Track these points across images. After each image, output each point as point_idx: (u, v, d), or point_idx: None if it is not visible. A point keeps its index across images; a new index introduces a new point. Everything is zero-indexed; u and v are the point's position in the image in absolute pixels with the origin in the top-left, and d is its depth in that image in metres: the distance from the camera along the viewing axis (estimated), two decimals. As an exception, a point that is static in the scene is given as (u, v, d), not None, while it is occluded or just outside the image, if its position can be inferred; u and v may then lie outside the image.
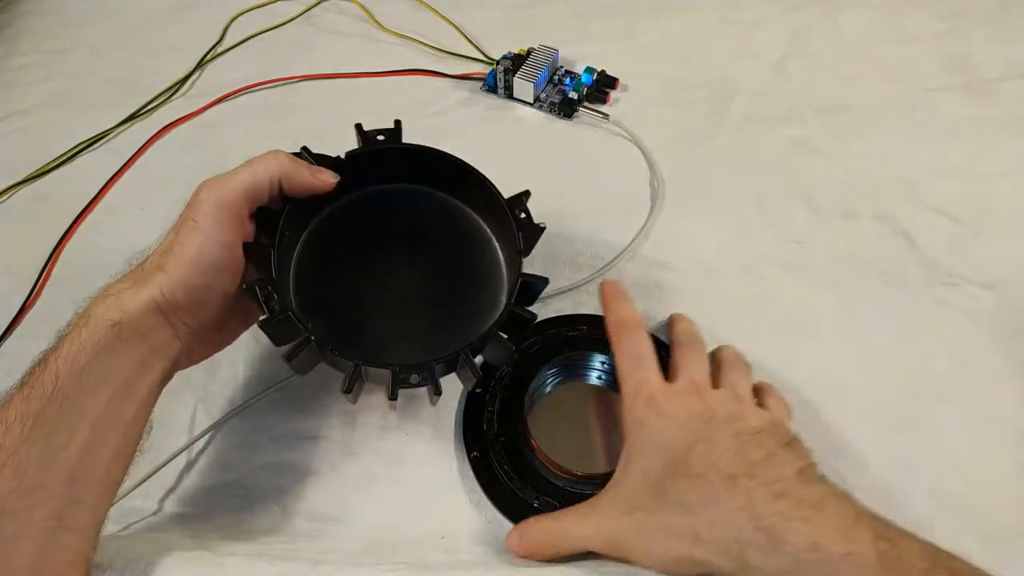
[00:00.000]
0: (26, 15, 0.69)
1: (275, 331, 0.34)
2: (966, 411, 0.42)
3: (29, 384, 0.30)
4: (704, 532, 0.30)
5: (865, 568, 0.27)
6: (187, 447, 0.42)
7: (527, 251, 0.38)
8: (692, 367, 0.37)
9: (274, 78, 0.62)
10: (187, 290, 0.33)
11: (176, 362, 0.35)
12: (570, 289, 0.47)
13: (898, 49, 0.62)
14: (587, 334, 0.44)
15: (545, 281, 0.38)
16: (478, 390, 0.42)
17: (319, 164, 0.38)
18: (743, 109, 0.59)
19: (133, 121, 0.60)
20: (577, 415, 0.42)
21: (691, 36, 0.64)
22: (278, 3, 0.68)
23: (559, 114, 0.59)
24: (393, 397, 0.34)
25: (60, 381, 0.30)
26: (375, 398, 0.43)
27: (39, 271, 0.50)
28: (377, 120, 0.59)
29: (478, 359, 0.36)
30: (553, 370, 0.42)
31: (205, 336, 0.36)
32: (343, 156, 0.39)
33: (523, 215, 0.39)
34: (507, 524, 0.38)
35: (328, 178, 0.38)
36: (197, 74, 0.63)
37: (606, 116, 0.58)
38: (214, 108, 0.60)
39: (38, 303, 0.49)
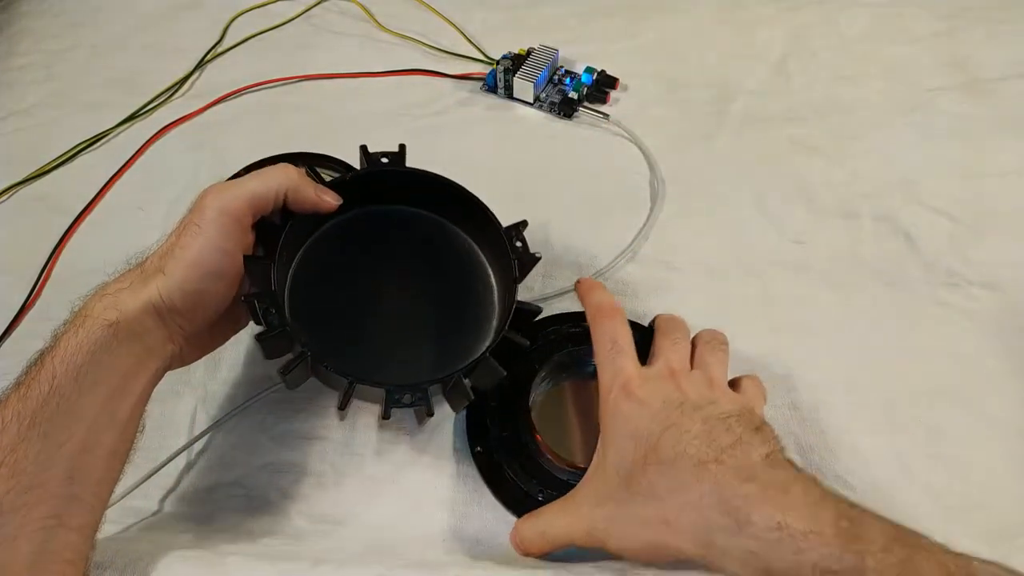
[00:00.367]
0: (26, 15, 0.69)
1: (271, 345, 0.35)
2: (966, 411, 0.42)
3: (26, 384, 0.30)
4: (673, 519, 0.31)
5: (825, 546, 0.27)
6: (187, 447, 0.42)
7: (522, 278, 0.40)
8: (669, 352, 0.37)
9: (274, 78, 0.62)
10: (185, 294, 0.33)
11: (169, 363, 0.35)
12: (571, 289, 0.47)
13: (898, 49, 0.62)
14: (589, 330, 0.44)
15: (539, 309, 0.40)
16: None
17: (324, 184, 0.39)
18: (743, 109, 0.59)
19: (133, 121, 0.60)
20: (580, 409, 0.42)
21: (691, 36, 0.64)
22: (278, 3, 0.68)
23: (559, 114, 0.59)
24: (386, 416, 0.35)
25: (57, 380, 0.30)
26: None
27: (39, 271, 0.50)
28: (377, 120, 0.59)
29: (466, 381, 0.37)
30: (555, 366, 0.43)
31: (197, 339, 0.36)
32: (347, 177, 0.40)
33: (519, 244, 0.41)
34: (511, 520, 0.39)
35: (331, 199, 0.38)
36: (197, 74, 0.63)
37: (606, 116, 0.58)
38: (214, 108, 0.60)
39: (38, 303, 0.49)
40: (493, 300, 0.42)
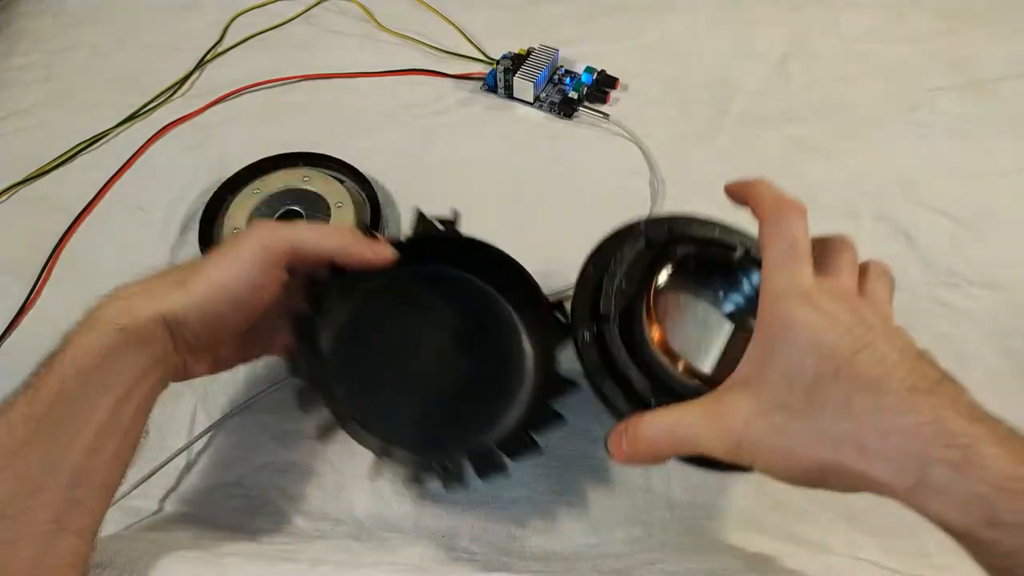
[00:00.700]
0: (26, 15, 0.69)
1: (308, 403, 0.35)
2: (966, 411, 0.42)
3: (34, 386, 0.30)
4: (873, 442, 0.27)
5: None
6: (187, 447, 0.42)
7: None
8: (843, 271, 0.33)
9: (274, 78, 0.62)
10: (201, 312, 0.33)
11: (173, 375, 0.35)
12: (571, 290, 0.47)
13: (898, 49, 0.62)
14: (721, 238, 0.40)
15: (576, 384, 0.37)
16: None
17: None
18: (743, 109, 0.59)
19: (133, 121, 0.60)
20: (704, 315, 0.37)
21: (691, 36, 0.64)
22: (278, 3, 0.68)
23: (559, 114, 0.59)
24: (418, 481, 0.35)
25: (65, 383, 0.30)
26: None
27: (39, 271, 0.50)
28: (377, 120, 0.59)
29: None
30: (682, 264, 0.38)
31: (203, 357, 0.36)
32: (403, 240, 0.39)
33: (563, 319, 0.40)
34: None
35: (388, 254, 0.37)
36: (197, 74, 0.63)
37: (606, 116, 0.58)
38: (214, 108, 0.60)
39: (38, 303, 0.49)
40: (529, 369, 0.41)
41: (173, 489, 0.41)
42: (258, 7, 0.68)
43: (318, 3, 0.68)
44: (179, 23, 0.68)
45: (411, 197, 0.54)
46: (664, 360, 0.35)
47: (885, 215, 0.51)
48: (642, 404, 0.33)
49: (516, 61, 0.60)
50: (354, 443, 0.43)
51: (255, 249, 0.34)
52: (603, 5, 0.67)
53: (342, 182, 0.52)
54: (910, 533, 0.38)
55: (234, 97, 0.61)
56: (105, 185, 0.55)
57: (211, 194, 0.51)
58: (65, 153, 0.57)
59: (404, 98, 0.61)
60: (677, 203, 0.53)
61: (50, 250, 0.51)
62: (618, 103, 0.60)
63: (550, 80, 0.61)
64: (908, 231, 0.50)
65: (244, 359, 0.39)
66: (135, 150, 0.57)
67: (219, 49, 0.65)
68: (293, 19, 0.67)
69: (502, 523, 0.39)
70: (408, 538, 0.39)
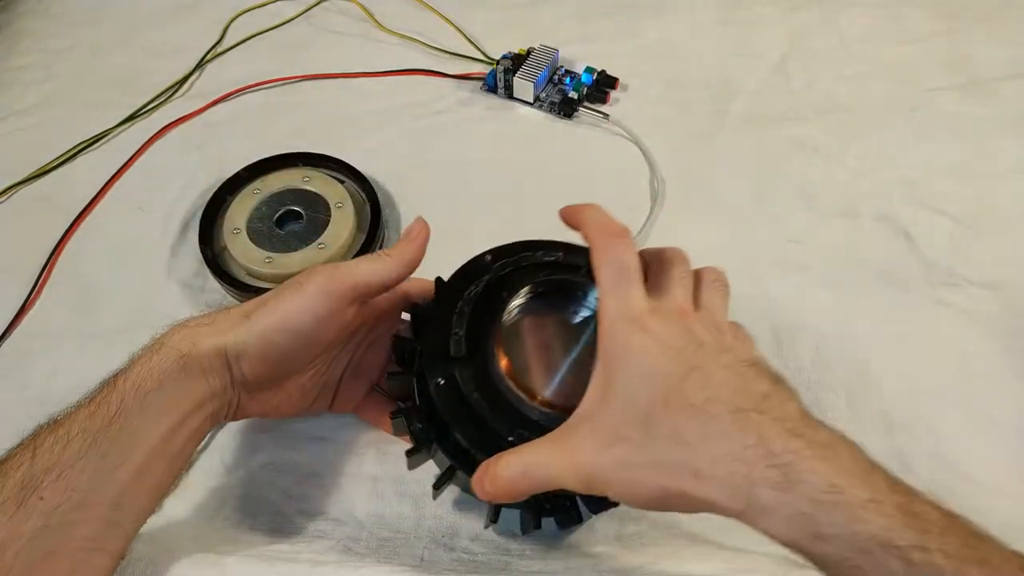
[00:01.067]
0: (26, 15, 0.69)
1: (419, 462, 0.36)
2: (966, 411, 0.42)
3: (96, 401, 0.31)
4: (706, 468, 0.28)
5: (887, 517, 0.25)
6: (187, 447, 0.42)
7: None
8: (676, 287, 0.33)
9: (274, 78, 0.62)
10: (262, 342, 0.34)
11: (225, 410, 0.35)
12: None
13: (898, 49, 0.62)
14: (565, 260, 0.39)
15: None
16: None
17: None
18: (743, 109, 0.59)
19: (133, 121, 0.60)
20: (554, 342, 0.37)
21: (691, 36, 0.64)
22: (278, 3, 0.68)
23: (559, 114, 0.59)
24: (537, 527, 0.35)
25: (125, 403, 0.31)
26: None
27: (39, 271, 0.50)
28: (377, 120, 0.59)
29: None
30: (528, 294, 0.37)
31: (259, 395, 0.36)
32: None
33: None
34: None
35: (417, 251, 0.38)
36: (197, 74, 0.63)
37: (606, 116, 0.58)
38: (214, 108, 0.60)
39: (38, 303, 0.49)
40: None
41: (173, 489, 0.41)
42: (258, 7, 0.68)
43: (318, 3, 0.68)
44: (179, 23, 0.68)
45: (411, 197, 0.54)
46: (519, 394, 0.34)
47: (885, 215, 0.51)
48: (501, 442, 0.33)
49: (516, 61, 0.60)
50: (356, 443, 0.43)
51: (320, 283, 0.34)
52: (603, 5, 0.67)
53: (342, 182, 0.52)
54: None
55: (234, 97, 0.61)
56: (105, 185, 0.55)
57: (211, 194, 0.51)
58: (65, 153, 0.57)
59: (404, 98, 0.61)
60: (677, 203, 0.53)
61: (50, 250, 0.51)
62: (618, 103, 0.60)
63: (550, 80, 0.61)
64: (908, 231, 0.50)
65: (299, 411, 0.39)
66: (135, 150, 0.57)
67: (219, 49, 0.65)
68: (293, 19, 0.67)
69: (501, 522, 0.39)
70: (408, 538, 0.39)
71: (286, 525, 0.39)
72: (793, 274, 0.49)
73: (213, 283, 0.49)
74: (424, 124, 0.59)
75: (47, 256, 0.51)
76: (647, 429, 0.29)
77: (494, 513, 0.35)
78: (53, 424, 0.30)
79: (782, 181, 0.54)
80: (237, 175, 0.52)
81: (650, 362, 0.29)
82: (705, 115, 0.58)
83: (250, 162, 0.53)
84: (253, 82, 0.62)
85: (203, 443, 0.42)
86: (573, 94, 0.59)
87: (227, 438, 0.43)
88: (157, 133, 0.58)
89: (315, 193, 0.51)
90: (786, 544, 0.27)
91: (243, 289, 0.47)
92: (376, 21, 0.66)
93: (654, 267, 0.34)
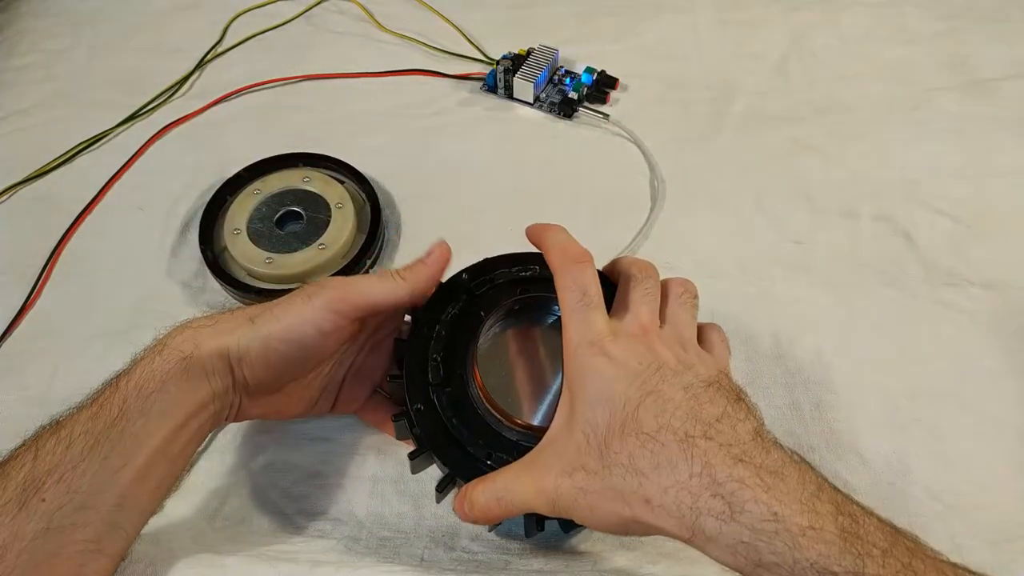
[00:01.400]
0: (26, 15, 0.69)
1: (420, 466, 0.36)
2: (966, 411, 0.42)
3: (98, 403, 0.31)
4: (656, 497, 0.28)
5: (826, 544, 0.26)
6: (187, 447, 0.42)
7: None
8: (639, 304, 0.33)
9: (274, 78, 0.62)
10: (264, 349, 0.34)
11: (227, 412, 0.35)
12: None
13: (898, 49, 0.62)
14: (541, 274, 0.39)
15: None
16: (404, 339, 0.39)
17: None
18: (743, 109, 0.59)
19: (133, 121, 0.60)
20: (533, 363, 0.37)
21: (691, 36, 0.64)
22: (278, 3, 0.68)
23: (559, 114, 0.59)
24: (540, 529, 0.35)
25: (126, 405, 0.31)
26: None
27: (39, 271, 0.50)
28: (377, 120, 0.59)
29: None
30: (505, 313, 0.38)
31: (260, 399, 0.36)
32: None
33: None
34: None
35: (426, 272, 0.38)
36: (197, 74, 0.63)
37: (606, 116, 0.58)
38: (214, 108, 0.60)
39: (38, 303, 0.49)
40: None
41: (174, 490, 0.41)
42: (258, 7, 0.68)
43: (318, 3, 0.68)
44: (179, 23, 0.68)
45: (411, 197, 0.54)
46: (497, 416, 0.35)
47: (885, 215, 0.51)
48: (481, 465, 0.34)
49: (516, 61, 0.60)
50: (356, 443, 0.43)
51: (329, 299, 0.35)
52: (603, 5, 0.67)
53: (342, 182, 0.52)
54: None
55: (234, 97, 0.61)
56: (105, 185, 0.55)
57: (211, 194, 0.51)
58: (65, 153, 0.57)
59: (404, 98, 0.61)
60: (677, 203, 0.53)
61: (50, 250, 0.51)
62: (618, 103, 0.60)
63: (550, 80, 0.61)
64: (908, 231, 0.50)
65: (301, 413, 0.40)
66: (135, 150, 0.57)
67: (219, 49, 0.65)
68: (293, 19, 0.67)
69: (502, 523, 0.39)
70: (408, 538, 0.39)
71: (286, 525, 0.39)
72: (793, 274, 0.49)
73: (213, 283, 0.49)
74: (424, 124, 0.59)
75: (47, 256, 0.51)
76: (604, 457, 0.30)
77: None
78: (55, 425, 0.30)
79: (782, 181, 0.54)
80: (237, 175, 0.52)
81: (608, 388, 0.30)
82: (705, 115, 0.58)
83: (250, 162, 0.53)
84: (253, 82, 0.62)
85: (204, 444, 0.42)
86: (573, 94, 0.59)
87: (228, 439, 0.43)
88: (157, 133, 0.58)
89: (315, 193, 0.51)
90: (733, 569, 0.28)
91: (243, 290, 0.47)
92: (376, 21, 0.66)
93: (621, 284, 0.35)
